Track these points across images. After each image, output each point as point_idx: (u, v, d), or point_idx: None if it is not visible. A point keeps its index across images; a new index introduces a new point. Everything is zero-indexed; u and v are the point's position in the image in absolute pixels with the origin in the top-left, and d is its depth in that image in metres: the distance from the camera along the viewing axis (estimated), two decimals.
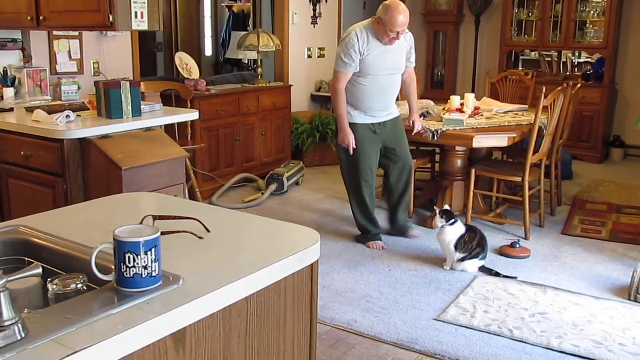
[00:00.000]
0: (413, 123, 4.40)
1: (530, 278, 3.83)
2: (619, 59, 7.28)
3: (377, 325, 3.24)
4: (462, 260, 3.87)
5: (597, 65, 7.31)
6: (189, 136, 5.05)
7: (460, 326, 3.21)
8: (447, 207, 4.01)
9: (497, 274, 3.84)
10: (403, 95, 4.40)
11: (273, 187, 5.54)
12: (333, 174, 5.01)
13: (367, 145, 4.15)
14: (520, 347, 3.02)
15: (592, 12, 7.13)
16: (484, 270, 3.89)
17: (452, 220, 3.85)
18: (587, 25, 7.22)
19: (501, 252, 4.21)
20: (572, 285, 3.73)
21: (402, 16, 3.84)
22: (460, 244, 3.84)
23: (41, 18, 3.89)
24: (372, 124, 4.15)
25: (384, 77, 4.07)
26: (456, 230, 3.85)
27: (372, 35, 3.96)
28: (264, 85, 6.15)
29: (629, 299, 3.51)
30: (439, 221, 3.87)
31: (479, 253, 3.85)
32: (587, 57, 7.61)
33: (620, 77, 7.33)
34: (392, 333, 3.15)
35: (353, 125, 4.12)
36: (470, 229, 3.92)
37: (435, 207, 3.94)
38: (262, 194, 5.49)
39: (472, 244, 3.84)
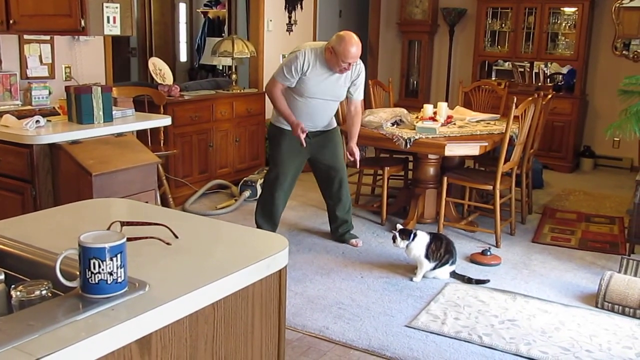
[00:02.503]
0: (351, 149, 4.32)
1: (500, 285, 3.87)
2: (590, 70, 7.41)
3: (348, 331, 3.24)
4: (433, 268, 3.89)
5: (568, 77, 7.44)
6: (162, 142, 5.02)
7: (431, 333, 3.23)
8: (399, 225, 4.00)
9: (470, 280, 3.88)
10: (346, 125, 4.43)
11: (246, 193, 5.53)
12: (307, 181, 5.04)
13: (293, 151, 4.22)
14: (489, 353, 3.05)
15: (564, 24, 7.25)
16: (456, 276, 3.92)
17: (412, 236, 3.86)
18: (559, 37, 7.34)
19: (472, 259, 4.25)
20: (541, 293, 3.78)
21: (355, 48, 3.92)
22: (429, 253, 3.86)
23: (11, 22, 3.84)
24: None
25: (318, 100, 4.11)
26: (420, 241, 3.86)
27: (320, 61, 3.99)
28: (238, 91, 6.14)
29: (596, 307, 3.56)
30: (401, 243, 3.87)
31: (448, 259, 3.88)
32: (559, 68, 7.74)
33: (591, 88, 7.45)
34: (363, 340, 3.16)
35: (280, 130, 4.20)
36: (435, 237, 3.93)
37: (392, 231, 3.97)
38: (236, 200, 5.47)
39: (440, 252, 3.87)
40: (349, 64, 3.97)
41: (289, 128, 4.15)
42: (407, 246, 3.87)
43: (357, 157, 4.32)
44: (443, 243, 3.89)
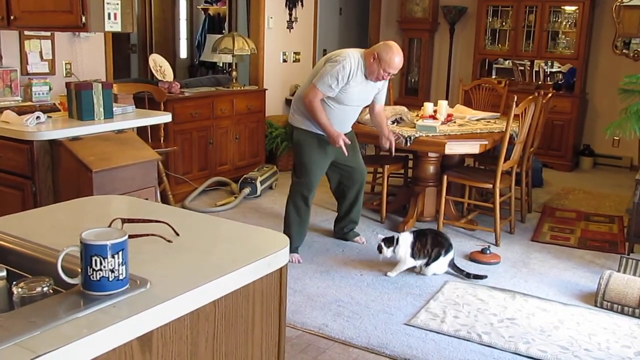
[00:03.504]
0: (388, 134, 4.30)
1: (499, 284, 3.87)
2: (590, 69, 7.41)
3: (347, 329, 3.25)
4: (427, 265, 3.90)
5: (568, 75, 7.44)
6: (162, 139, 5.03)
7: (430, 331, 3.24)
8: (380, 235, 3.99)
9: (468, 275, 3.89)
10: (373, 123, 4.43)
11: (246, 190, 5.53)
12: None
13: (322, 156, 4.14)
14: (488, 352, 3.05)
15: (564, 23, 7.25)
16: (455, 268, 3.93)
17: (395, 240, 3.86)
18: (559, 36, 7.34)
19: (472, 257, 4.26)
20: (540, 291, 3.79)
21: (399, 58, 3.91)
22: (415, 252, 3.86)
23: (12, 17, 3.84)
24: (325, 135, 4.10)
25: (352, 107, 4.10)
26: (404, 242, 3.86)
27: (360, 68, 3.94)
28: (239, 88, 6.14)
29: (595, 305, 3.57)
30: (387, 252, 3.87)
31: (439, 252, 3.88)
32: (559, 67, 7.74)
33: (591, 87, 7.45)
34: (363, 337, 3.17)
35: (308, 133, 4.08)
36: (418, 234, 3.91)
37: (378, 240, 3.97)
38: (235, 197, 5.48)
39: (426, 248, 3.87)
40: (389, 73, 3.94)
41: (317, 131, 4.05)
42: (394, 251, 3.87)
43: (393, 140, 4.27)
44: (428, 238, 3.88)
